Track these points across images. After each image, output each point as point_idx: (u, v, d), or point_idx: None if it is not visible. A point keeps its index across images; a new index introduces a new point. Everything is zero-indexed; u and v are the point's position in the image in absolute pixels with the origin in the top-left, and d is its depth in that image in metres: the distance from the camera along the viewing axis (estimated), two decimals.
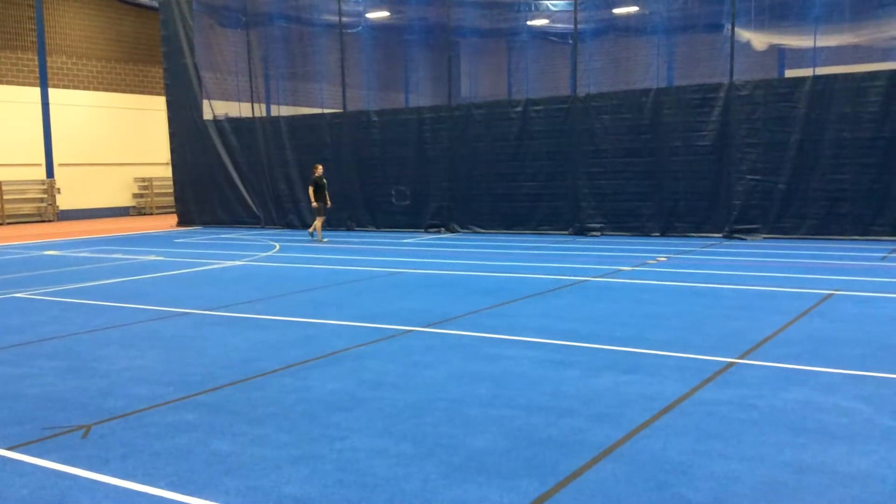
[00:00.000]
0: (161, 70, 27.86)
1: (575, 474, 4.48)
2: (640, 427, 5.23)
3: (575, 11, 19.66)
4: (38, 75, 30.95)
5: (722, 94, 17.90)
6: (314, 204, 19.06)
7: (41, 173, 31.31)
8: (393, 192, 22.28)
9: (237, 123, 24.82)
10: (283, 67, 24.47)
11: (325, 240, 19.56)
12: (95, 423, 5.58)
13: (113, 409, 5.94)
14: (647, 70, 19.97)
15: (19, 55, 30.32)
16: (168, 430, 5.41)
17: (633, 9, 20.81)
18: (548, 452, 4.82)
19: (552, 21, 21.83)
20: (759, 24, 18.65)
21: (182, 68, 25.23)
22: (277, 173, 24.11)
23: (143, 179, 34.78)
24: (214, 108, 25.27)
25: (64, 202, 31.97)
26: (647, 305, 9.69)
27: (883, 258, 13.90)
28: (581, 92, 19.68)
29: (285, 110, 24.57)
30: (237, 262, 15.40)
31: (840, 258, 14.02)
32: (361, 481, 4.45)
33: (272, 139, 24.07)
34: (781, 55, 21.26)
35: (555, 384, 6.31)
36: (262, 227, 24.36)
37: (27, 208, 31.04)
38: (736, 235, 17.81)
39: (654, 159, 18.72)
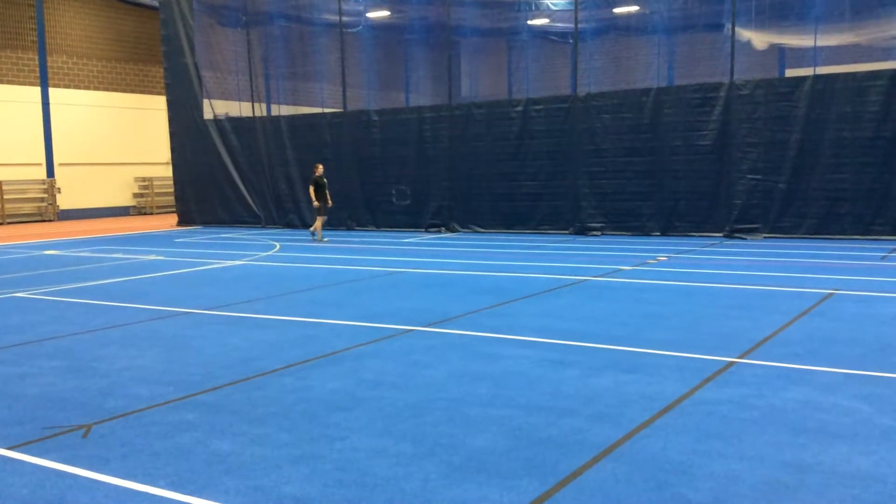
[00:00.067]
0: (161, 69, 27.86)
1: (575, 474, 4.48)
2: (640, 427, 5.23)
3: (575, 11, 19.66)
4: (38, 75, 30.96)
5: (722, 94, 17.90)
6: (315, 203, 19.06)
7: (41, 173, 31.32)
8: (393, 192, 22.28)
9: (237, 123, 24.83)
10: (284, 67, 24.47)
11: (326, 239, 19.56)
12: (95, 423, 5.59)
13: (113, 408, 5.94)
14: (647, 69, 19.96)
15: (20, 55, 30.32)
16: (168, 429, 5.41)
17: (634, 8, 20.81)
18: (548, 452, 4.82)
19: (552, 20, 21.83)
20: (760, 23, 18.64)
21: (182, 68, 25.23)
22: (278, 173, 24.12)
23: (144, 179, 34.78)
24: (215, 108, 25.28)
25: (64, 202, 31.97)
26: (647, 305, 9.68)
27: (883, 258, 13.90)
28: (581, 91, 19.67)
29: (286, 110, 24.57)
30: (237, 262, 15.40)
31: (840, 258, 14.02)
32: (361, 481, 4.45)
33: (272, 139, 24.08)
34: (782, 54, 21.26)
35: (555, 384, 6.31)
36: (263, 227, 24.37)
37: (27, 208, 31.05)
38: (736, 235, 17.81)
39: (655, 159, 18.72)
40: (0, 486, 4.50)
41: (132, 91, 34.30)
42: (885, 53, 17.90)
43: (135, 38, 34.17)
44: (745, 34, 18.30)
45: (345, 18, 22.88)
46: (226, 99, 25.45)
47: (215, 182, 25.16)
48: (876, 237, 16.55)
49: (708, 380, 6.31)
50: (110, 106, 33.36)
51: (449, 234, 20.85)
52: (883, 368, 6.58)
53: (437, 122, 21.49)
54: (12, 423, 5.65)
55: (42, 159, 31.27)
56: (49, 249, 19.00)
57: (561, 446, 4.92)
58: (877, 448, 4.78)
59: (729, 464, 4.58)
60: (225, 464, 4.76)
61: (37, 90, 30.92)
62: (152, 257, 16.60)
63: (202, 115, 25.24)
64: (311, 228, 20.08)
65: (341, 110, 23.12)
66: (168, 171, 30.94)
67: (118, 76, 33.80)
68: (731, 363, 6.82)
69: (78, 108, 32.18)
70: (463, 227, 21.40)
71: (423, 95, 25.04)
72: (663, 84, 19.30)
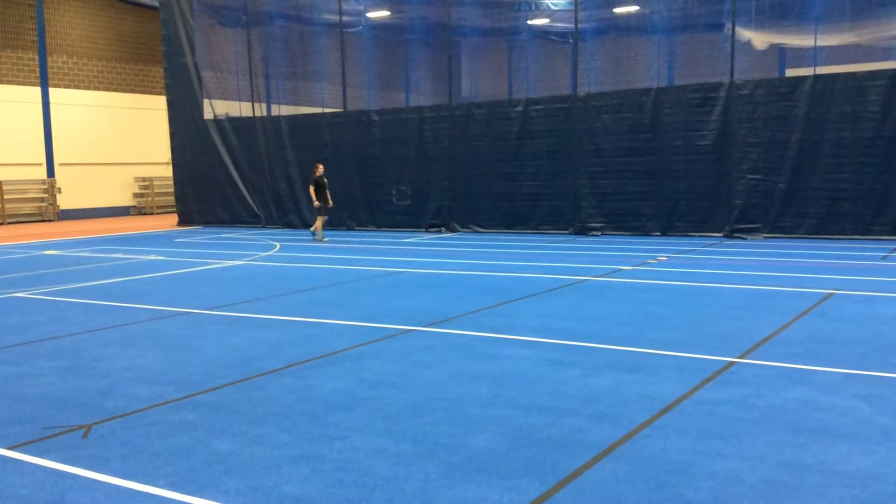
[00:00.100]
0: (161, 69, 27.86)
1: (575, 474, 4.48)
2: (640, 427, 5.23)
3: (576, 11, 19.66)
4: (38, 75, 30.96)
5: (722, 94, 17.90)
6: (316, 203, 19.06)
7: (42, 173, 31.33)
8: (393, 192, 22.28)
9: (237, 123, 24.83)
10: (284, 67, 24.47)
11: (326, 239, 19.56)
12: (96, 423, 5.59)
13: (113, 408, 5.94)
14: (647, 69, 19.96)
15: (20, 55, 30.33)
16: (168, 429, 5.41)
17: (634, 8, 20.81)
18: (548, 452, 4.82)
19: (553, 20, 21.83)
20: (760, 23, 18.64)
21: (182, 68, 25.24)
22: (278, 173, 24.12)
23: (144, 179, 34.78)
24: (215, 108, 25.28)
25: (64, 202, 31.98)
26: (648, 305, 9.68)
27: (883, 258, 13.90)
28: (581, 91, 19.67)
29: (286, 110, 24.57)
30: (238, 262, 15.41)
31: (840, 257, 14.02)
32: (361, 481, 4.45)
33: (273, 138, 24.08)
34: (782, 54, 21.25)
35: (555, 384, 6.31)
36: (263, 227, 24.37)
37: (28, 208, 31.05)
38: (736, 235, 17.81)
39: (655, 159, 18.72)
40: (0, 486, 4.50)
41: (132, 91, 34.30)
42: (885, 53, 17.90)
43: (135, 38, 34.17)
44: (745, 34, 18.30)
45: (345, 18, 22.88)
46: (226, 99, 25.46)
47: (215, 182, 25.16)
48: (876, 237, 16.54)
49: (708, 380, 6.31)
50: (110, 106, 33.37)
51: (449, 234, 20.85)
52: (883, 368, 6.58)
53: (437, 122, 21.49)
54: (12, 423, 5.65)
55: (42, 159, 31.27)
56: (49, 249, 19.00)
57: (561, 446, 4.92)
58: (877, 448, 4.78)
59: (729, 464, 4.58)
60: (225, 464, 4.76)
61: (37, 90, 30.92)
62: (152, 257, 16.60)
63: (202, 115, 25.24)
64: (312, 228, 20.08)
65: (341, 110, 23.13)
66: (168, 171, 30.94)
67: (118, 76, 33.81)
68: (732, 363, 6.82)
69: (78, 108, 32.18)
70: (463, 227, 21.40)
71: (423, 95, 25.04)
72: (663, 84, 19.30)
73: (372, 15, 23.34)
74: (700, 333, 8.05)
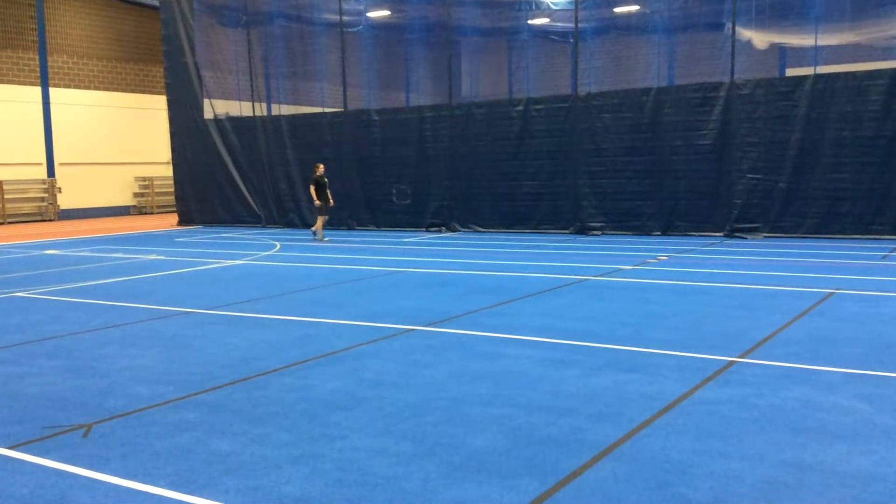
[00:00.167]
0: (162, 69, 27.86)
1: (575, 473, 4.48)
2: (640, 426, 5.23)
3: (576, 10, 19.65)
4: (38, 74, 30.96)
5: (723, 93, 17.90)
6: (317, 203, 19.06)
7: (42, 172, 31.33)
8: (394, 191, 22.29)
9: (238, 122, 24.83)
10: (284, 66, 24.47)
11: (326, 239, 19.56)
12: (96, 423, 5.59)
13: (113, 408, 5.94)
14: (647, 69, 19.95)
15: (20, 54, 30.33)
16: (168, 429, 5.42)
17: (634, 8, 20.81)
18: (548, 451, 4.83)
19: (553, 20, 21.82)
20: (760, 22, 18.63)
21: (183, 67, 25.24)
22: (278, 172, 24.12)
23: (144, 179, 34.78)
24: (215, 108, 25.28)
25: (65, 201, 31.98)
26: (648, 304, 9.68)
27: (884, 257, 13.89)
28: (582, 91, 19.67)
29: (286, 109, 24.57)
30: (238, 262, 15.41)
31: (841, 257, 14.01)
32: (362, 480, 4.45)
33: (273, 138, 24.08)
34: (782, 54, 21.24)
35: (555, 383, 6.31)
36: (263, 227, 24.37)
37: (28, 207, 31.05)
38: (737, 234, 17.80)
39: (655, 158, 18.72)
40: (0, 486, 4.51)
41: (132, 91, 34.30)
42: (886, 53, 17.89)
43: (135, 37, 34.17)
44: (745, 34, 18.29)
45: (345, 18, 22.88)
46: (226, 98, 25.45)
47: (216, 182, 25.16)
48: (876, 237, 16.54)
49: (708, 379, 6.31)
50: (111, 106, 33.37)
51: (449, 234, 20.85)
52: (883, 368, 6.58)
53: (437, 121, 21.49)
54: (12, 423, 5.65)
55: (42, 159, 31.28)
56: (49, 249, 19.01)
57: (561, 446, 4.92)
58: (877, 448, 4.78)
59: (729, 463, 4.58)
60: (225, 463, 4.76)
61: (37, 90, 30.92)
62: (153, 257, 16.60)
63: (202, 115, 25.24)
64: (313, 228, 20.08)
65: (342, 110, 23.13)
66: (168, 171, 30.95)
67: (118, 76, 33.80)
68: (732, 363, 6.82)
69: (78, 107, 32.19)
70: (463, 227, 21.40)
71: (423, 95, 25.03)
72: (664, 84, 19.30)
73: (372, 14, 23.34)
74: (700, 333, 8.05)
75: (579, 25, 19.65)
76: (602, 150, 19.31)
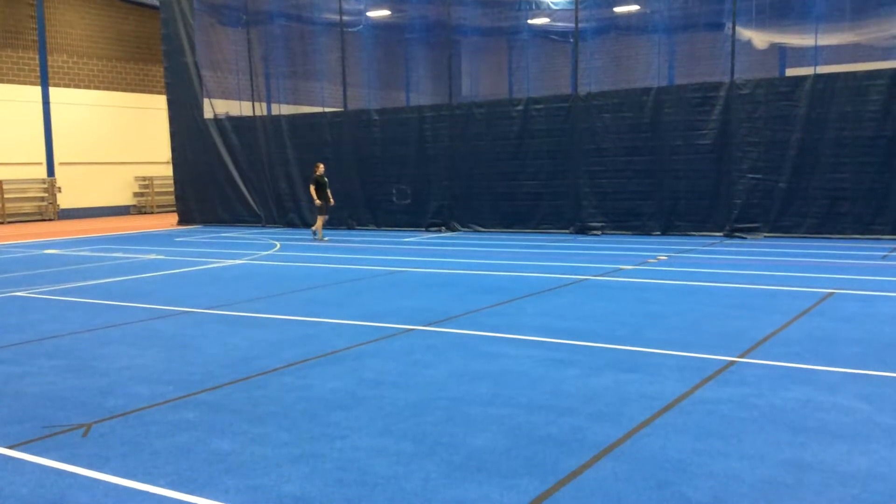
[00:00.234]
0: (162, 69, 27.86)
1: (575, 473, 4.48)
2: (640, 426, 5.23)
3: (576, 10, 19.65)
4: (38, 74, 30.96)
5: (723, 93, 17.90)
6: (317, 202, 19.06)
7: (42, 172, 31.33)
8: (394, 191, 22.29)
9: (238, 122, 24.83)
10: (284, 66, 24.47)
11: (326, 238, 19.56)
12: (96, 422, 5.59)
13: (113, 407, 5.94)
14: (648, 69, 19.96)
15: (20, 54, 30.32)
16: (168, 428, 5.42)
17: (634, 7, 20.81)
18: (548, 451, 4.82)
19: (553, 20, 21.82)
20: (760, 22, 18.63)
21: (183, 67, 25.23)
22: (278, 172, 24.12)
23: (144, 178, 34.78)
24: (215, 107, 25.28)
25: (64, 201, 31.98)
26: (648, 304, 9.68)
27: (884, 257, 13.90)
28: (582, 91, 19.67)
29: (286, 109, 24.57)
30: (238, 261, 15.41)
31: (840, 257, 14.01)
32: (362, 480, 4.45)
33: (273, 138, 24.08)
34: (782, 54, 21.25)
35: (555, 383, 6.31)
36: (263, 226, 24.37)
37: (28, 207, 31.05)
38: (737, 234, 17.80)
39: (655, 158, 18.72)
40: (0, 485, 4.51)
41: (133, 90, 34.30)
42: (886, 53, 17.89)
43: (135, 37, 34.17)
44: (745, 33, 18.29)
45: (345, 17, 22.87)
46: (226, 98, 25.45)
47: (215, 181, 25.16)
48: (876, 236, 16.54)
49: (708, 379, 6.31)
50: (111, 105, 33.37)
51: (449, 234, 20.85)
52: (883, 367, 6.58)
53: (437, 121, 21.49)
54: (12, 422, 5.65)
55: (42, 158, 31.28)
56: (49, 248, 19.01)
57: (561, 445, 4.92)
58: (877, 447, 4.78)
59: (729, 463, 4.58)
60: (225, 463, 4.76)
61: (37, 89, 30.92)
62: (152, 256, 16.60)
63: (202, 115, 25.24)
64: (313, 228, 20.07)
65: (342, 109, 23.12)
66: (168, 171, 30.94)
67: (119, 75, 33.80)
68: (732, 362, 6.82)
69: (78, 107, 32.19)
70: (463, 227, 21.40)
71: (423, 95, 25.04)
72: (664, 83, 19.30)
73: (372, 14, 23.33)
74: (700, 333, 8.05)
75: (579, 25, 19.65)
76: (602, 150, 19.31)
